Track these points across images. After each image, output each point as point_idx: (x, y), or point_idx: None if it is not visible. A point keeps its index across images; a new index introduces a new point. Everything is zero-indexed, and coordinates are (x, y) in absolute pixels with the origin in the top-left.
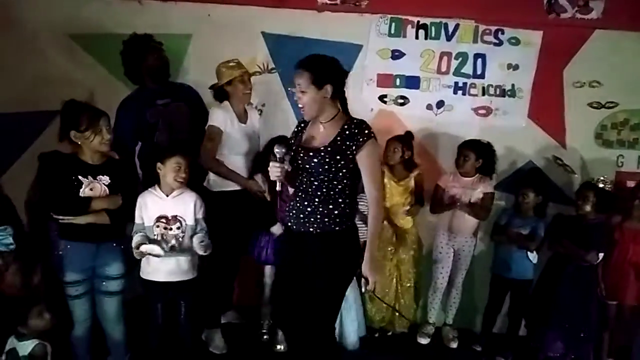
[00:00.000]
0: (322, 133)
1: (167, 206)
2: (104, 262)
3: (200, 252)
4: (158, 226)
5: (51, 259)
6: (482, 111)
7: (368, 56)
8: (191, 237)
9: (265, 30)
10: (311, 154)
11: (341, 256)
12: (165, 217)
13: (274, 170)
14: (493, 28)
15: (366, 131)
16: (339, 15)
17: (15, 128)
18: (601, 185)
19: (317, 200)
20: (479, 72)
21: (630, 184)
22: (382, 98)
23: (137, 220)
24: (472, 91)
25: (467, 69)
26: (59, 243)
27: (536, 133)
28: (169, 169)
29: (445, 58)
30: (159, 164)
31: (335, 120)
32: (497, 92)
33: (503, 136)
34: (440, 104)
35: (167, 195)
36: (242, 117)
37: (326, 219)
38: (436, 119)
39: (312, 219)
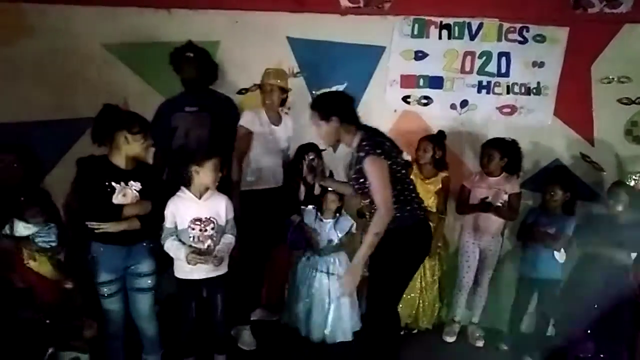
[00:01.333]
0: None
1: (200, 208)
2: (136, 261)
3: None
4: (194, 228)
5: (85, 261)
6: (506, 110)
7: (391, 57)
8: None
9: (290, 35)
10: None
11: (378, 252)
12: (200, 219)
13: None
14: (518, 26)
15: (361, 153)
16: (362, 17)
17: (52, 135)
18: (633, 184)
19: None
20: (503, 70)
21: None
22: (405, 99)
23: (168, 225)
24: (497, 90)
25: (491, 67)
26: (92, 246)
27: (563, 131)
28: (210, 171)
29: (469, 57)
30: (195, 167)
31: (353, 142)
32: (522, 91)
33: (529, 134)
34: (464, 103)
35: (200, 198)
36: (275, 120)
37: None
38: (460, 118)
39: None
